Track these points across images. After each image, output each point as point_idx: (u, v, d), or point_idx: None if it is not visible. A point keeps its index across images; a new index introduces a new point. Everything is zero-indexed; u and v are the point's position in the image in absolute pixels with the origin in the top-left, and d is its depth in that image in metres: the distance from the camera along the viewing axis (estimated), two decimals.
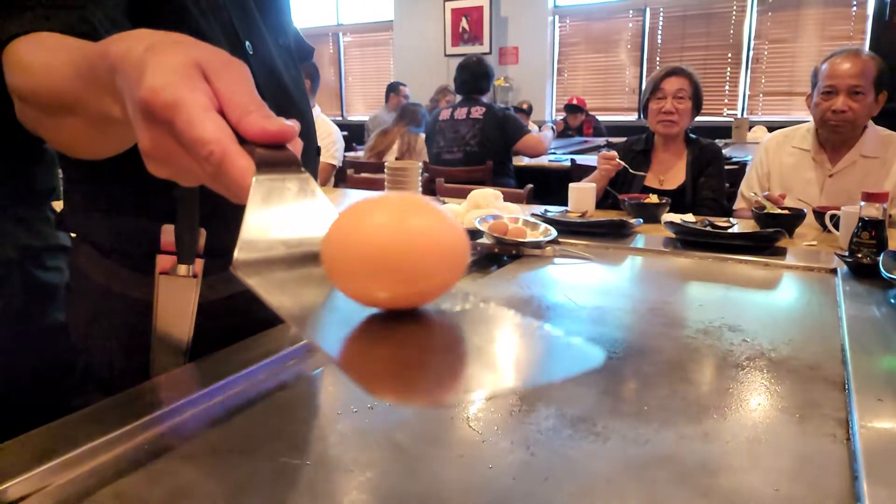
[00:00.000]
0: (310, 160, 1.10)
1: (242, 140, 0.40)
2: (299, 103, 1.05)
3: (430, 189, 3.06)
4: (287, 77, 1.03)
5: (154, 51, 0.42)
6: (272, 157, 0.39)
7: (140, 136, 0.43)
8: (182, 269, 0.89)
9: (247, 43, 0.94)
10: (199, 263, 0.90)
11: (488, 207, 2.00)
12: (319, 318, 0.38)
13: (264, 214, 0.38)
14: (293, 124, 0.42)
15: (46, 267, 1.15)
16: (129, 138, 0.48)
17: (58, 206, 1.08)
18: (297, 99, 1.04)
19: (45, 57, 0.61)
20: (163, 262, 0.89)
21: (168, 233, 0.88)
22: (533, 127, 5.66)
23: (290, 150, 0.41)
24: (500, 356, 0.35)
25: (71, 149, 0.68)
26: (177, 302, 0.90)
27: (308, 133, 1.08)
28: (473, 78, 3.70)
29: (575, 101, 6.79)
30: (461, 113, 3.66)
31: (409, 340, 0.37)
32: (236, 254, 0.38)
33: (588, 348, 0.34)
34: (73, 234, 1.02)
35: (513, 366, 0.35)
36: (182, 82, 0.40)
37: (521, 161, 3.98)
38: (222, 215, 0.88)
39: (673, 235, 1.64)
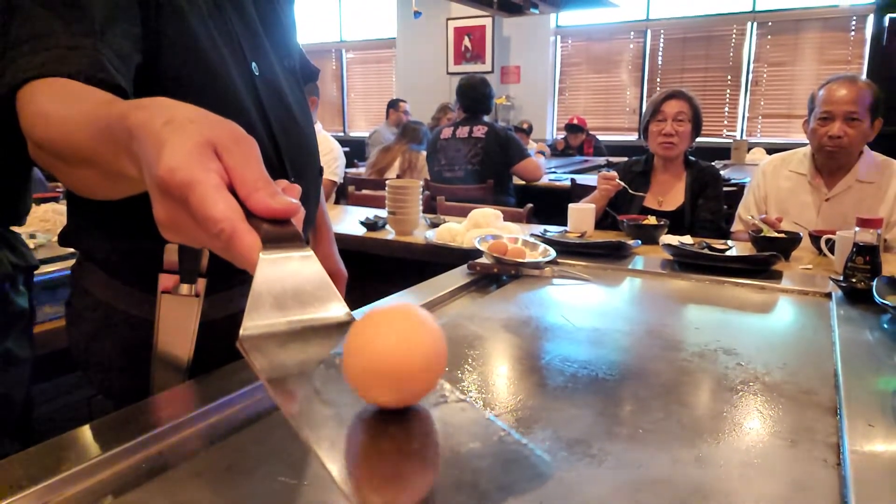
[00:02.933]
0: (313, 180, 1.11)
1: (251, 214, 0.43)
2: (303, 124, 1.06)
3: (430, 207, 3.08)
4: (291, 98, 1.04)
5: (171, 127, 0.45)
6: (277, 233, 0.43)
7: (156, 208, 0.46)
8: (184, 288, 0.90)
9: (253, 64, 0.96)
10: (201, 283, 0.90)
11: (488, 227, 2.01)
12: (315, 417, 0.41)
13: (268, 291, 0.42)
14: (296, 201, 0.45)
15: (18, 290, 1.16)
16: (143, 188, 0.51)
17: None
18: (301, 120, 1.06)
19: (62, 109, 0.63)
20: (165, 280, 0.90)
21: (171, 252, 0.89)
22: (533, 146, 5.70)
23: (293, 224, 0.45)
24: (464, 470, 0.39)
25: (84, 192, 0.69)
26: (178, 320, 0.91)
27: (312, 154, 1.10)
28: (475, 98, 3.73)
29: (576, 121, 6.84)
30: (463, 131, 3.68)
31: (392, 447, 0.42)
32: (242, 330, 0.42)
33: (540, 462, 0.39)
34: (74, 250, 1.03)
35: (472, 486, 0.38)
36: (196, 162, 0.43)
37: (522, 180, 4.00)
38: None
39: (671, 257, 1.65)
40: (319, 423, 0.40)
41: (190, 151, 0.43)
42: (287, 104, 1.03)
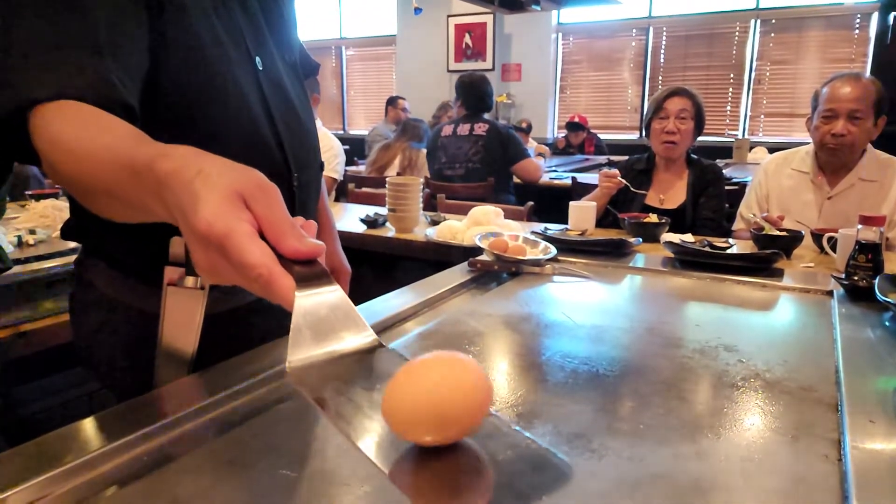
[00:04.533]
0: (315, 174, 1.11)
1: (281, 256, 0.49)
2: (304, 119, 1.07)
3: (430, 205, 3.07)
4: (293, 92, 1.05)
5: (203, 179, 0.49)
6: (307, 273, 0.49)
7: (195, 256, 0.51)
8: (189, 280, 0.90)
9: (257, 59, 0.97)
10: None
11: (489, 224, 2.01)
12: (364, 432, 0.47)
13: (306, 326, 0.48)
14: (320, 242, 0.51)
15: None
16: (165, 219, 0.56)
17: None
18: (302, 115, 1.06)
19: (84, 143, 0.65)
20: (170, 273, 0.90)
21: (177, 245, 0.89)
22: (533, 145, 5.70)
23: (319, 263, 0.51)
24: (501, 474, 0.46)
25: (103, 215, 0.70)
26: (183, 313, 0.91)
27: (313, 148, 1.10)
28: (476, 96, 3.73)
29: (577, 119, 6.82)
30: (464, 129, 3.68)
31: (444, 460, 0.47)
32: (287, 363, 0.48)
33: (562, 464, 0.47)
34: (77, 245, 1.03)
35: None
36: (230, 214, 0.48)
37: (520, 180, 3.99)
38: None
39: (672, 255, 1.65)
40: (367, 436, 0.46)
41: (223, 204, 0.48)
42: (289, 99, 1.03)
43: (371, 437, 0.46)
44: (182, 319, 0.91)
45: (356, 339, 0.51)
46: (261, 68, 0.97)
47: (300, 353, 0.48)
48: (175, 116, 0.86)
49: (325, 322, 0.49)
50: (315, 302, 0.48)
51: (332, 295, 0.50)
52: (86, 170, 0.64)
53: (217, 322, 0.94)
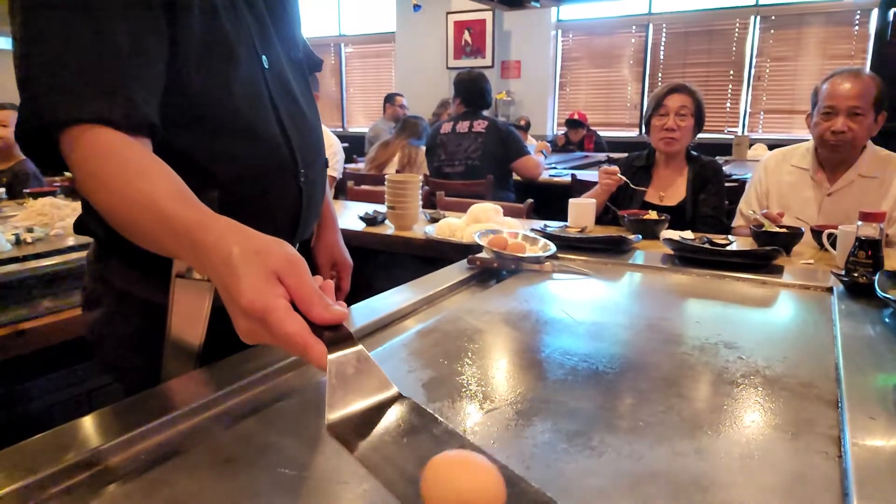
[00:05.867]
0: (320, 171, 1.14)
1: (310, 321, 0.58)
2: (309, 115, 1.09)
3: (430, 202, 3.07)
4: (297, 90, 1.06)
5: (242, 258, 0.58)
6: (335, 338, 0.58)
7: (237, 323, 0.59)
8: (197, 272, 0.90)
9: (263, 57, 0.99)
10: None
11: (488, 222, 2.01)
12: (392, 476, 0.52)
13: (339, 386, 0.57)
14: (343, 307, 0.60)
15: None
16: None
17: None
18: (307, 111, 1.08)
19: (121, 183, 0.72)
20: (179, 264, 0.91)
21: None
22: (532, 142, 5.69)
23: (344, 327, 0.59)
24: None
25: (130, 238, 0.76)
26: (191, 305, 0.92)
27: (319, 145, 1.13)
28: (475, 93, 3.72)
29: (576, 116, 6.81)
30: (463, 126, 3.67)
31: None
32: (326, 420, 0.55)
33: None
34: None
35: None
36: (268, 291, 0.57)
37: (520, 177, 3.98)
38: (242, 212, 0.91)
39: (671, 252, 1.64)
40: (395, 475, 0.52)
41: (261, 283, 0.57)
42: (294, 96, 1.05)
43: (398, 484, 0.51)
44: (190, 311, 0.92)
45: (381, 393, 0.59)
46: (267, 67, 0.99)
47: (337, 411, 0.56)
48: (183, 113, 0.88)
49: (354, 381, 0.57)
50: (344, 363, 0.57)
51: (356, 355, 0.58)
52: (123, 212, 0.72)
53: (225, 315, 0.94)
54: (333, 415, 0.56)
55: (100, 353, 1.04)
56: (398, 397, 0.59)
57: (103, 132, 0.75)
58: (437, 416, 0.59)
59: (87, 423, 0.72)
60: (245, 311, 0.57)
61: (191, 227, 0.64)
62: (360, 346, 0.59)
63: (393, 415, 0.58)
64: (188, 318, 0.93)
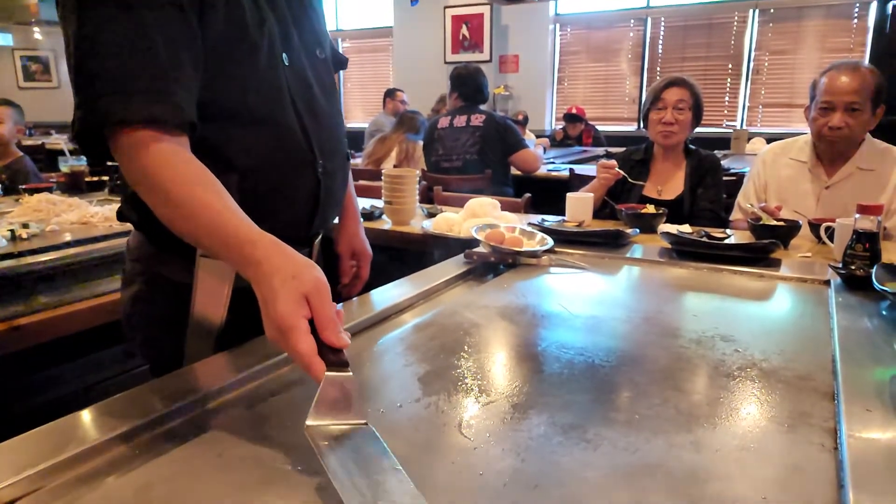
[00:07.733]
0: (341, 163, 1.17)
1: (320, 340, 0.68)
2: (330, 111, 1.12)
3: (427, 197, 3.06)
4: (318, 86, 1.09)
5: (281, 280, 0.69)
6: (335, 360, 0.67)
7: (267, 327, 0.70)
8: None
9: (283, 55, 1.02)
10: None
11: (486, 216, 2.01)
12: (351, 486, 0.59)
13: (326, 399, 0.65)
14: (347, 336, 0.70)
15: None
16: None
17: None
18: (326, 107, 1.11)
19: (177, 185, 0.81)
20: None
21: None
22: (530, 136, 5.68)
23: (343, 353, 0.69)
24: None
25: (170, 228, 0.85)
26: (214, 283, 0.99)
27: (340, 139, 1.17)
28: (473, 87, 3.71)
29: (574, 111, 6.79)
30: (461, 121, 3.66)
31: None
32: (307, 421, 0.64)
33: None
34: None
35: None
36: (296, 312, 0.67)
37: (518, 171, 3.98)
38: (261, 200, 0.99)
39: (669, 246, 1.64)
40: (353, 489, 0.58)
41: (292, 303, 0.68)
42: (313, 92, 1.08)
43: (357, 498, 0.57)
44: (212, 289, 1.00)
45: (353, 418, 0.68)
46: (287, 63, 1.03)
47: (317, 419, 0.65)
48: (204, 105, 0.92)
49: (338, 402, 0.66)
50: (335, 383, 0.66)
51: (347, 379, 0.67)
52: (176, 213, 0.81)
53: (245, 297, 0.96)
54: (313, 421, 0.65)
55: (130, 330, 1.10)
56: (365, 426, 0.68)
57: (149, 134, 0.82)
58: (387, 447, 0.65)
59: (81, 418, 0.72)
60: (274, 321, 0.68)
61: (241, 241, 0.75)
62: (351, 374, 0.67)
63: (357, 437, 0.66)
64: (211, 297, 1.00)
